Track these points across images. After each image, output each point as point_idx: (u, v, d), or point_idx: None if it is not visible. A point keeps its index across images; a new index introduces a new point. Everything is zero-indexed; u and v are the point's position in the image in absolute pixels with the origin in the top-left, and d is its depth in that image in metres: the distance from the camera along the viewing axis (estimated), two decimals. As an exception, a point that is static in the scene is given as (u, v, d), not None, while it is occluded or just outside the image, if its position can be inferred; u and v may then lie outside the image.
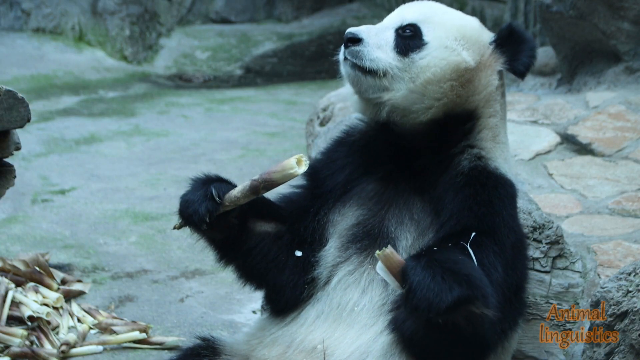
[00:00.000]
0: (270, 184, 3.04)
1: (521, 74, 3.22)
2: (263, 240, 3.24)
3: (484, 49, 3.16)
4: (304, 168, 2.99)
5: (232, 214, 3.14)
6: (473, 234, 2.96)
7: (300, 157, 2.99)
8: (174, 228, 3.24)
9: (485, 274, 2.90)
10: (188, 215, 3.14)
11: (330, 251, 3.19)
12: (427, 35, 3.09)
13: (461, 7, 11.26)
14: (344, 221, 3.21)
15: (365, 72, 3.08)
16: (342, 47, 3.13)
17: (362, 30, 3.10)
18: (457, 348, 2.95)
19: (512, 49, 3.18)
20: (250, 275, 3.33)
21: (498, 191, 3.11)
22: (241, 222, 3.20)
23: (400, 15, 3.17)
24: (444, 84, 3.09)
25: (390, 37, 3.11)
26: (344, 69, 3.15)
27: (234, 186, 3.14)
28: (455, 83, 3.09)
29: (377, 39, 3.09)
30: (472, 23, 3.21)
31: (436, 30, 3.10)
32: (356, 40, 3.07)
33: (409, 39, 3.10)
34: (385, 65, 3.07)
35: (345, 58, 3.12)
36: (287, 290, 3.23)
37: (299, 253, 3.22)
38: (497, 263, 2.99)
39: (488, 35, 3.22)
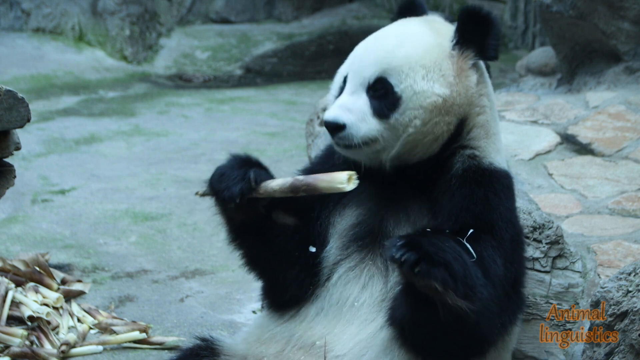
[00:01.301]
0: (312, 189, 3.01)
1: (493, 58, 3.17)
2: (283, 232, 3.21)
3: (451, 58, 3.11)
4: (352, 186, 2.97)
5: (262, 202, 3.10)
6: (471, 230, 2.97)
7: (352, 175, 2.96)
8: (197, 194, 3.17)
9: (484, 267, 2.92)
10: (219, 189, 3.08)
11: (332, 251, 3.21)
12: (397, 87, 3.06)
13: (461, 7, 11.24)
14: (344, 221, 3.22)
15: (358, 146, 3.08)
16: (328, 132, 3.09)
17: (340, 115, 3.05)
18: (451, 340, 2.96)
19: (476, 34, 3.13)
20: (260, 263, 3.29)
21: (493, 187, 3.12)
22: (267, 212, 3.16)
23: (361, 67, 3.10)
24: (431, 125, 3.08)
25: (365, 104, 3.07)
26: (338, 149, 3.15)
27: (272, 175, 3.11)
28: (440, 117, 3.08)
29: (357, 113, 3.06)
30: (427, 41, 3.12)
31: (402, 77, 3.06)
32: (340, 127, 3.05)
33: (383, 99, 3.07)
34: (374, 134, 3.06)
35: (337, 143, 3.11)
36: (294, 286, 3.22)
37: (312, 249, 3.21)
38: (496, 256, 3.00)
39: (448, 34, 3.16)
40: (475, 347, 3.04)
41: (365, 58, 3.12)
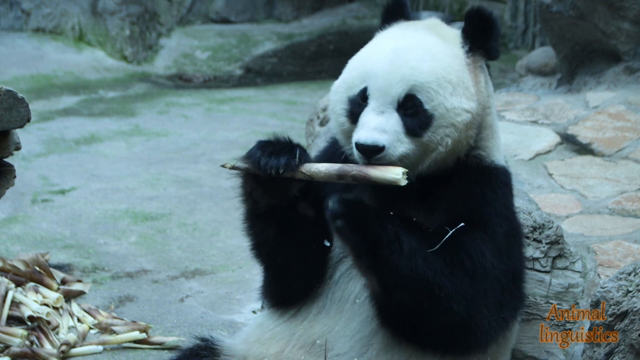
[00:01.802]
0: (362, 178, 2.93)
1: (495, 59, 3.19)
2: (306, 223, 3.13)
3: (467, 66, 3.11)
4: (405, 182, 2.91)
5: (296, 185, 3.02)
6: (461, 224, 2.98)
7: (406, 171, 2.92)
8: (224, 166, 3.02)
9: (457, 258, 2.95)
10: (258, 158, 2.96)
11: (336, 249, 3.20)
12: (427, 104, 3.02)
13: (461, 7, 11.25)
14: None
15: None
16: (358, 152, 2.99)
17: (378, 138, 2.96)
18: (439, 335, 2.99)
19: (483, 37, 3.14)
20: (274, 255, 3.20)
21: (491, 183, 3.13)
22: (296, 199, 3.08)
23: (387, 85, 3.03)
24: (459, 142, 3.07)
25: (398, 123, 3.01)
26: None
27: (312, 160, 3.05)
28: (468, 132, 3.08)
29: (392, 134, 2.99)
30: (445, 52, 3.09)
31: (432, 94, 3.02)
32: (380, 150, 2.97)
33: (415, 117, 3.02)
34: (408, 152, 3.02)
35: (371, 163, 3.01)
36: (300, 281, 3.19)
37: (327, 243, 3.16)
38: (485, 250, 3.00)
39: (455, 39, 3.15)
40: (466, 337, 3.03)
41: (391, 75, 3.03)
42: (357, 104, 3.08)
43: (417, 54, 3.05)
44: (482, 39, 3.14)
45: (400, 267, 2.88)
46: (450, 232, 2.96)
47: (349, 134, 3.10)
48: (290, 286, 3.22)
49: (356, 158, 3.01)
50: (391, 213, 2.96)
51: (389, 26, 3.25)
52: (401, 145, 3.00)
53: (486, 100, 3.16)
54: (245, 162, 3.01)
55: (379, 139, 2.96)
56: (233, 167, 3.02)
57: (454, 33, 3.19)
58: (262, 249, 3.23)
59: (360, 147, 2.96)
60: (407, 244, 2.89)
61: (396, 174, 2.91)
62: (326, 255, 3.19)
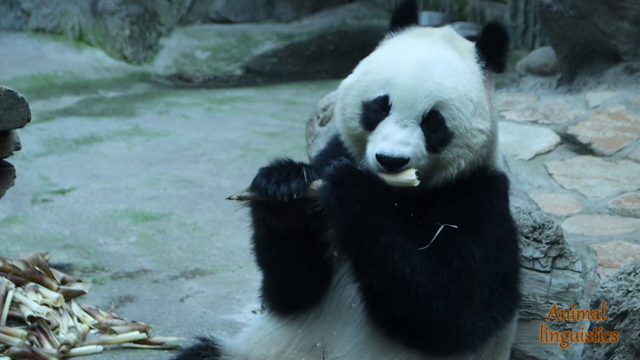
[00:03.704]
0: None
1: (503, 72, 3.19)
2: (317, 236, 3.09)
3: (483, 83, 3.10)
4: (418, 182, 2.93)
5: (310, 204, 2.95)
6: (454, 226, 2.97)
7: (417, 171, 2.93)
8: (231, 198, 2.98)
9: (451, 253, 2.95)
10: (265, 186, 2.91)
11: (335, 254, 3.19)
12: (449, 122, 3.00)
13: (461, 7, 11.25)
14: None
15: None
16: (377, 163, 2.96)
17: (404, 151, 2.95)
18: (422, 332, 3.00)
19: (497, 53, 3.13)
20: (285, 270, 3.15)
21: (488, 192, 3.13)
22: (312, 216, 3.01)
23: (413, 99, 3.00)
24: (471, 163, 3.06)
25: (420, 138, 2.99)
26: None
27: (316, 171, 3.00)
28: (482, 152, 3.07)
29: (415, 147, 2.97)
30: (464, 68, 3.06)
31: (455, 112, 3.00)
32: (404, 162, 2.96)
33: (436, 133, 3.01)
34: (425, 166, 3.02)
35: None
36: (303, 290, 3.18)
37: (335, 253, 3.13)
38: (474, 251, 3.00)
39: (470, 54, 3.14)
40: (448, 336, 3.03)
41: (417, 89, 2.99)
42: (375, 111, 3.04)
43: (441, 68, 3.03)
44: (498, 55, 3.13)
45: (373, 258, 2.89)
46: (440, 228, 2.94)
47: (360, 140, 3.08)
48: (297, 296, 3.21)
49: (371, 167, 2.98)
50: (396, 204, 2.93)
51: (399, 30, 3.21)
52: (422, 159, 2.99)
53: (495, 115, 3.17)
54: (253, 192, 2.96)
55: (405, 152, 2.94)
56: (240, 198, 2.98)
57: (469, 46, 3.16)
58: (275, 269, 3.20)
59: (385, 159, 2.94)
60: (388, 236, 2.87)
61: (410, 175, 2.92)
62: (331, 264, 3.17)
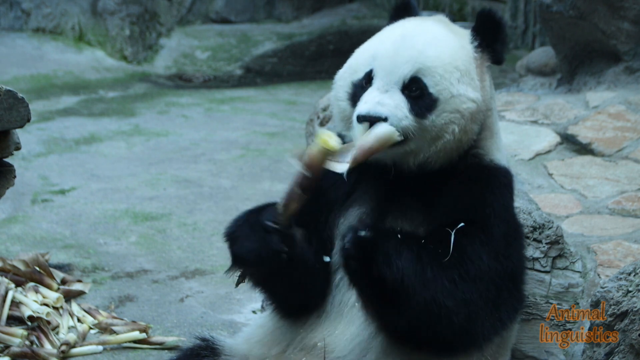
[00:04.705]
0: (309, 167, 2.83)
1: (501, 63, 3.20)
2: (304, 247, 3.08)
3: (475, 61, 3.11)
4: (398, 135, 2.90)
5: (293, 230, 2.97)
6: (461, 224, 2.96)
7: (328, 135, 2.84)
8: (238, 285, 3.10)
9: (464, 265, 2.93)
10: (251, 257, 2.97)
11: (335, 257, 3.18)
12: (432, 88, 3.00)
13: (461, 7, 11.25)
14: (347, 222, 3.19)
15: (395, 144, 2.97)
16: (358, 124, 2.95)
17: (380, 109, 2.94)
18: (437, 342, 2.99)
19: (492, 39, 3.14)
20: (286, 292, 3.20)
21: (490, 183, 3.12)
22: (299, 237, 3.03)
23: (393, 65, 3.01)
24: (464, 133, 3.05)
25: (402, 101, 2.98)
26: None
27: (273, 204, 2.97)
28: (472, 125, 3.06)
29: (396, 107, 2.96)
30: (453, 42, 3.09)
31: (437, 78, 3.00)
32: (382, 120, 2.93)
33: (419, 99, 2.99)
34: (412, 130, 2.98)
35: None
36: (302, 298, 3.19)
37: (327, 259, 3.14)
38: (482, 252, 2.99)
39: (465, 36, 3.15)
40: (463, 341, 3.03)
41: (397, 56, 3.01)
42: (361, 87, 3.06)
43: (425, 39, 3.05)
44: (491, 39, 3.13)
45: (402, 307, 2.90)
46: (452, 235, 2.94)
47: (349, 119, 3.06)
48: (298, 299, 3.21)
49: (356, 136, 2.95)
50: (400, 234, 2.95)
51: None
52: (405, 119, 2.97)
53: (489, 101, 3.16)
54: (244, 267, 3.05)
55: (382, 110, 2.93)
56: (239, 282, 3.09)
57: (463, 29, 3.19)
58: (276, 295, 3.24)
59: (362, 117, 2.93)
60: (399, 264, 2.87)
61: (385, 127, 2.89)
62: (327, 267, 3.17)
